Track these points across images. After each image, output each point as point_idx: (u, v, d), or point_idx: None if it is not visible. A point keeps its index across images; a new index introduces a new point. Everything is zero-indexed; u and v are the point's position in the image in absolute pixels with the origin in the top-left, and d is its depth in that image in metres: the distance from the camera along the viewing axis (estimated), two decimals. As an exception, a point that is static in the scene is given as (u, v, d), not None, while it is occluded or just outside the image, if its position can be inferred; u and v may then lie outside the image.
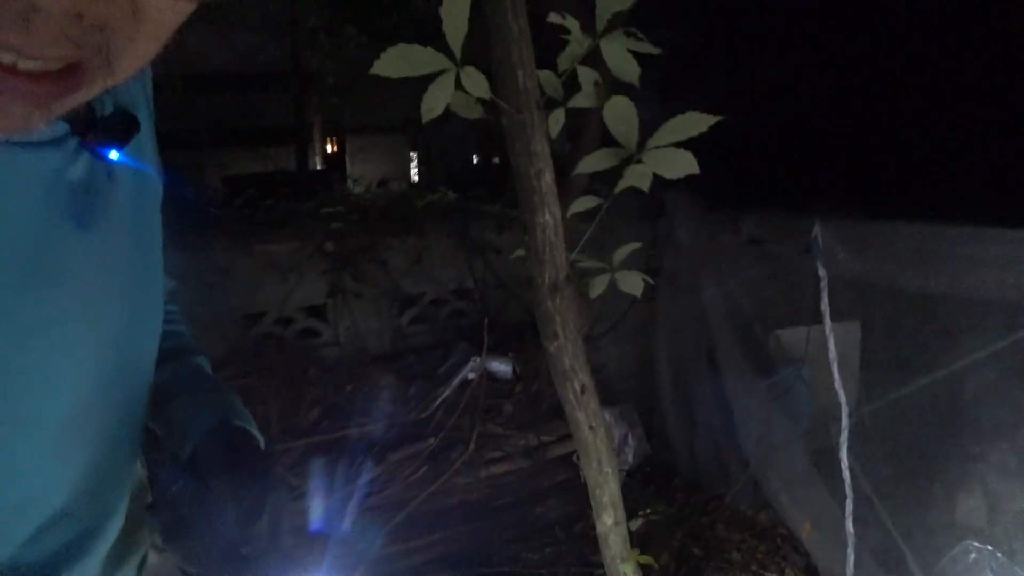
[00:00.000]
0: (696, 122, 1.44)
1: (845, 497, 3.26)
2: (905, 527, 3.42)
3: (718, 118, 1.44)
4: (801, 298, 3.60)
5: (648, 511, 3.13)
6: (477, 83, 1.34)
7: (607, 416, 3.81)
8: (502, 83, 1.41)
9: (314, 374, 3.47)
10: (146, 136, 0.73)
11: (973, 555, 3.26)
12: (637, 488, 3.88)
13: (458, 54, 1.27)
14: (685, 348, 4.08)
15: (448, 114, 1.48)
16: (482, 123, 1.51)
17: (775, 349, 3.87)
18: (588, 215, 1.66)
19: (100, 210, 0.62)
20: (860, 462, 3.46)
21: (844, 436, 3.31)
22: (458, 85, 1.35)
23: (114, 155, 0.61)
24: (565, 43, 1.48)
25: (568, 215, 1.58)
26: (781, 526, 3.88)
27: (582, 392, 1.70)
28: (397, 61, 1.23)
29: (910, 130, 4.17)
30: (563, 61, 1.45)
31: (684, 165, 1.52)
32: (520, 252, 1.60)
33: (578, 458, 2.07)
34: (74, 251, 0.58)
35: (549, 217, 1.44)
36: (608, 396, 4.04)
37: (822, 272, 3.16)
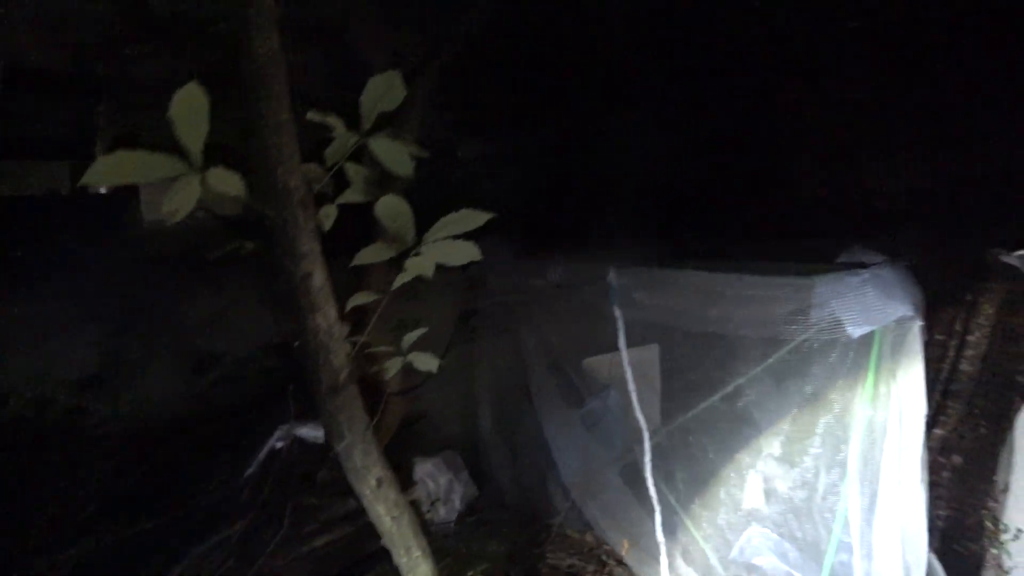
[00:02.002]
0: (470, 219, 1.46)
1: (654, 510, 3.57)
2: (703, 527, 3.85)
3: (491, 215, 1.47)
4: (606, 335, 3.90)
5: (478, 571, 3.12)
6: (228, 183, 1.22)
7: (429, 467, 3.78)
8: (260, 180, 1.31)
9: (88, 461, 2.94)
10: None
11: (755, 539, 3.78)
12: (468, 532, 3.88)
13: (198, 156, 1.15)
14: (503, 387, 4.19)
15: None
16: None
17: (584, 381, 4.13)
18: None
19: None
20: (663, 476, 3.82)
21: (647, 455, 3.63)
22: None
23: None
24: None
25: (348, 309, 1.51)
26: (606, 544, 4.09)
27: (379, 486, 1.64)
28: (119, 168, 1.07)
29: (689, 189, 4.82)
30: (330, 156, 1.39)
31: (465, 254, 1.53)
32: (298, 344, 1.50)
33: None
34: None
35: (322, 320, 1.36)
36: (430, 444, 4.00)
37: (617, 313, 3.44)
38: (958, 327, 5.45)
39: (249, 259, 3.85)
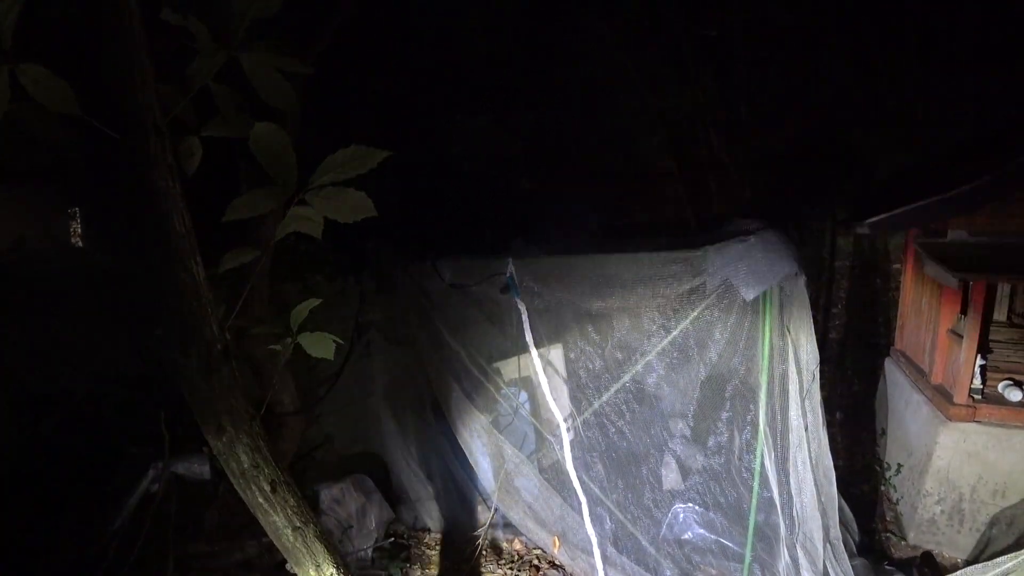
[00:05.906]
0: (363, 157, 1.25)
1: (579, 503, 3.45)
2: (630, 512, 3.79)
3: (386, 153, 1.27)
4: (508, 332, 3.79)
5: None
6: (49, 89, 0.94)
7: (336, 492, 3.40)
8: (102, 96, 1.04)
9: None
10: None
11: (681, 515, 3.78)
12: (387, 558, 3.55)
13: (6, 39, 0.87)
14: (408, 400, 3.92)
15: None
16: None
17: (492, 384, 3.97)
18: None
19: None
20: (584, 468, 3.72)
21: (567, 449, 3.51)
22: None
23: None
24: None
25: (221, 271, 1.25)
26: (536, 548, 3.94)
27: (273, 490, 1.35)
28: None
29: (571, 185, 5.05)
30: (193, 74, 1.13)
31: (358, 207, 1.27)
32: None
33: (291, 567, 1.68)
34: None
35: (186, 277, 1.09)
36: (336, 469, 3.63)
37: (521, 306, 3.34)
38: (822, 301, 6.12)
39: (97, 279, 3.30)
